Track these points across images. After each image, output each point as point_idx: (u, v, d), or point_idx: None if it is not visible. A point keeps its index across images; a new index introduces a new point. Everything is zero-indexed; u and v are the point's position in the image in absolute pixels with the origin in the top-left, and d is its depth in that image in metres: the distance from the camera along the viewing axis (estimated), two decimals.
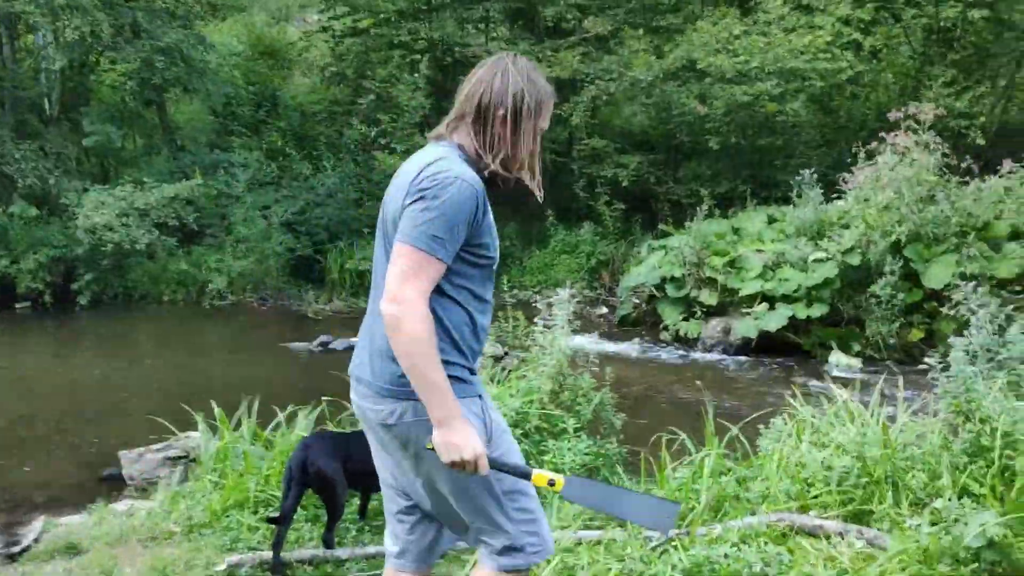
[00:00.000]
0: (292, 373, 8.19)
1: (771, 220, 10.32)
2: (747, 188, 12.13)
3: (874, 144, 8.98)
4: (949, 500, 3.05)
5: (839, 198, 9.58)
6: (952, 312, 8.17)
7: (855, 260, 8.48)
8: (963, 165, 8.84)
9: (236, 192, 12.69)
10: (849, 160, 9.53)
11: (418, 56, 13.70)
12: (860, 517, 3.33)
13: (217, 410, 4.51)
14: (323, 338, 9.06)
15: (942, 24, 11.56)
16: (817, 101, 12.58)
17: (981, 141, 10.79)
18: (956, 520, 2.88)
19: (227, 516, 3.71)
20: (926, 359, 4.23)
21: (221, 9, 21.23)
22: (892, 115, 8.66)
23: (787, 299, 8.60)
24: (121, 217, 11.17)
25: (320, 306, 11.44)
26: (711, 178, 12.95)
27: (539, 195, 2.08)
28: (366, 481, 3.34)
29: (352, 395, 2.09)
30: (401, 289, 1.84)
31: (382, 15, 13.50)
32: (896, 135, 8.42)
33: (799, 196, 9.87)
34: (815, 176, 9.64)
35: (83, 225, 11.03)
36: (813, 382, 7.60)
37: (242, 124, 14.98)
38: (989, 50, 11.66)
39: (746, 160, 12.77)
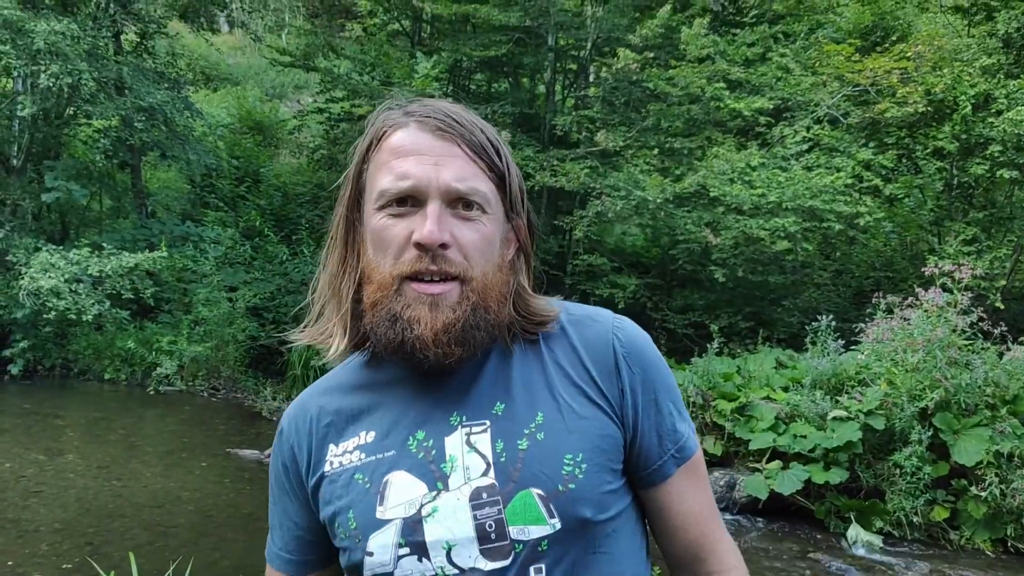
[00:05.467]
0: (236, 490, 7.07)
1: (778, 365, 9.58)
2: (749, 325, 11.45)
3: (898, 298, 8.38)
4: None
5: (848, 349, 8.91)
6: (984, 494, 7.43)
7: (878, 424, 7.67)
8: (996, 331, 8.22)
9: (203, 269, 11.72)
10: (870, 311, 8.91)
11: None
12: None
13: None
14: None
15: (964, 181, 11.19)
16: (829, 244, 12.07)
17: (1000, 305, 10.23)
18: None
19: None
20: None
21: (215, 80, 20.81)
22: (928, 270, 8.06)
23: (801, 458, 7.74)
24: (71, 283, 10.12)
25: (277, 404, 10.35)
26: (706, 309, 12.26)
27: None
28: None
29: None
30: None
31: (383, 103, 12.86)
32: (934, 291, 7.79)
33: (813, 343, 9.16)
34: (832, 323, 8.96)
35: (27, 287, 9.96)
36: (833, 562, 6.71)
37: (220, 197, 14.14)
38: (1009, 211, 11.27)
39: (746, 294, 12.11)
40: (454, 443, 1.02)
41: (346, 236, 1.09)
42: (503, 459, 1.00)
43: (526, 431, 1.02)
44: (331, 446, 1.08)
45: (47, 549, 4.94)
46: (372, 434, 1.06)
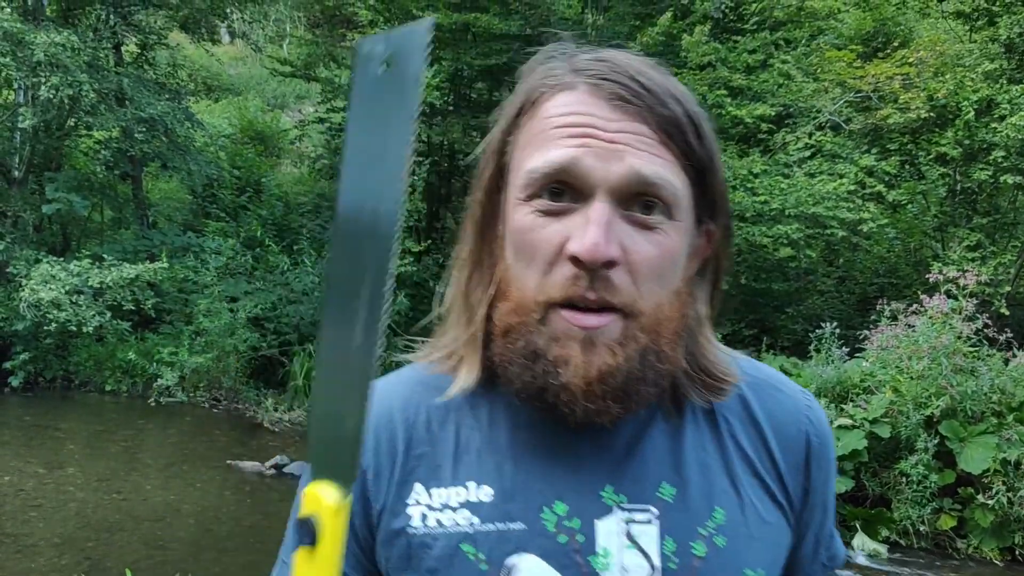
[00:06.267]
0: (237, 503, 7.03)
1: (782, 372, 9.52)
2: (752, 332, 11.40)
3: (902, 304, 8.35)
4: None
5: (852, 356, 8.86)
6: (991, 502, 7.37)
7: (884, 432, 7.62)
8: (1001, 338, 8.17)
9: (204, 280, 11.67)
10: (874, 318, 8.86)
11: (420, 158, 13.06)
12: None
13: None
14: (277, 459, 7.93)
15: (968, 186, 11.16)
16: (832, 250, 12.04)
17: (1005, 311, 10.17)
18: None
19: None
20: None
21: (216, 90, 20.84)
22: (932, 276, 8.02)
23: None
24: (72, 295, 10.09)
25: (278, 415, 10.30)
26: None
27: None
28: None
29: None
30: None
31: None
32: (938, 298, 7.75)
33: (817, 350, 9.11)
34: (836, 331, 8.91)
35: (27, 299, 9.93)
36: (839, 572, 6.63)
37: (221, 208, 14.13)
38: (1013, 216, 11.23)
39: (750, 302, 12.07)
40: (609, 530, 0.77)
41: (482, 229, 0.81)
42: (673, 565, 0.77)
43: (702, 531, 0.79)
44: (417, 486, 0.80)
45: (45, 564, 4.90)
46: (488, 491, 0.78)
